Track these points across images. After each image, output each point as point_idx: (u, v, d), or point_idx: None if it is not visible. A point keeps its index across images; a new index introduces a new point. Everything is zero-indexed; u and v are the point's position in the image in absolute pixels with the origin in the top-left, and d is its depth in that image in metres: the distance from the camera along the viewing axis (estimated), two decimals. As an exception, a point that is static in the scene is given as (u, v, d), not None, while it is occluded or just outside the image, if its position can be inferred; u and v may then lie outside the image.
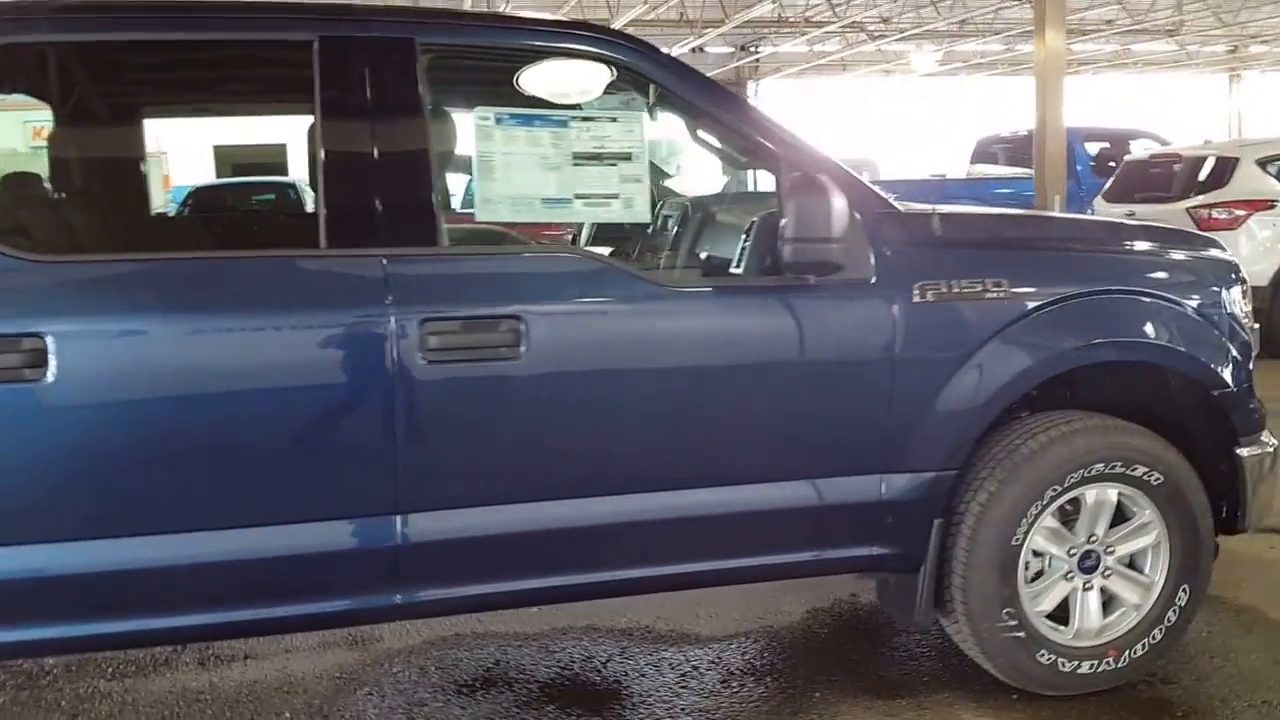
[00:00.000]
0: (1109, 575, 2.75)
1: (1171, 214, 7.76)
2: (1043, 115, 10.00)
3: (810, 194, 2.25)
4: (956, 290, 2.51)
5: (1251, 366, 2.83)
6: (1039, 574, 2.71)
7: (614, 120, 2.40)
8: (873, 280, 2.45)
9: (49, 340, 2.01)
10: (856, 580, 3.02)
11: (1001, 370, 2.54)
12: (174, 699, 2.91)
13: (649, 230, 3.50)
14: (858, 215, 2.43)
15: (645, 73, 2.42)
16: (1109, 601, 2.78)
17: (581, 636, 3.23)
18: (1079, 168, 11.22)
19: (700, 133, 2.80)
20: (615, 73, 2.42)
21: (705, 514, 2.44)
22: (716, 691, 2.87)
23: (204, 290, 2.16)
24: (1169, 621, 2.77)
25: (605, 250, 3.43)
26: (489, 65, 2.65)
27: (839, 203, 2.27)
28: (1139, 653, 2.76)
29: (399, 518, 2.25)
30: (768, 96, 22.91)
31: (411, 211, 2.26)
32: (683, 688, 2.89)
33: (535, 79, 2.43)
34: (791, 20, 16.31)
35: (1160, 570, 2.77)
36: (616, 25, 13.97)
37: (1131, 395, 2.89)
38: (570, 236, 3.76)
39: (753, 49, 18.95)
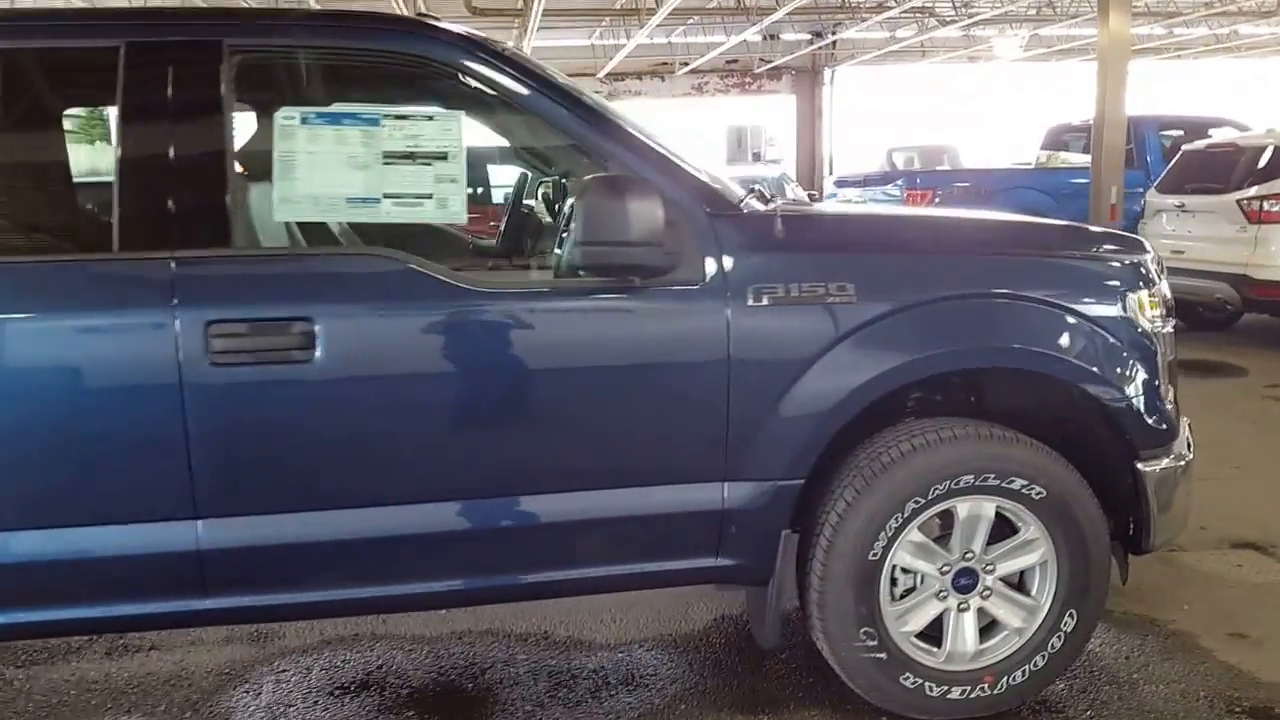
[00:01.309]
0: (988, 595, 2.57)
1: (1221, 205, 7.29)
2: (1102, 104, 9.44)
3: (602, 195, 2.15)
4: (795, 294, 2.37)
5: (1158, 377, 2.59)
6: (909, 591, 2.56)
7: (430, 119, 2.34)
8: (704, 283, 2.34)
9: None
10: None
11: (844, 378, 2.39)
12: (68, 687, 2.99)
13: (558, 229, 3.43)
14: (688, 216, 2.34)
15: (464, 67, 2.35)
16: (991, 624, 2.60)
17: (475, 641, 3.20)
18: (1149, 158, 10.61)
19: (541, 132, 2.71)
20: (432, 68, 2.37)
21: (525, 524, 2.36)
22: (582, 702, 2.80)
23: (37, 290, 2.19)
24: (1053, 648, 2.58)
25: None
26: (305, 65, 2.60)
27: (640, 205, 2.15)
28: (1018, 679, 2.58)
29: (199, 523, 2.24)
30: (844, 83, 22.41)
31: (204, 213, 2.24)
32: (549, 697, 2.83)
33: (350, 77, 2.39)
34: (859, 6, 15.84)
35: (1047, 591, 2.58)
36: (661, 14, 13.65)
37: (1037, 405, 2.70)
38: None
39: (828, 34, 18.53)
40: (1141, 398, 2.55)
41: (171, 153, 2.22)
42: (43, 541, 2.20)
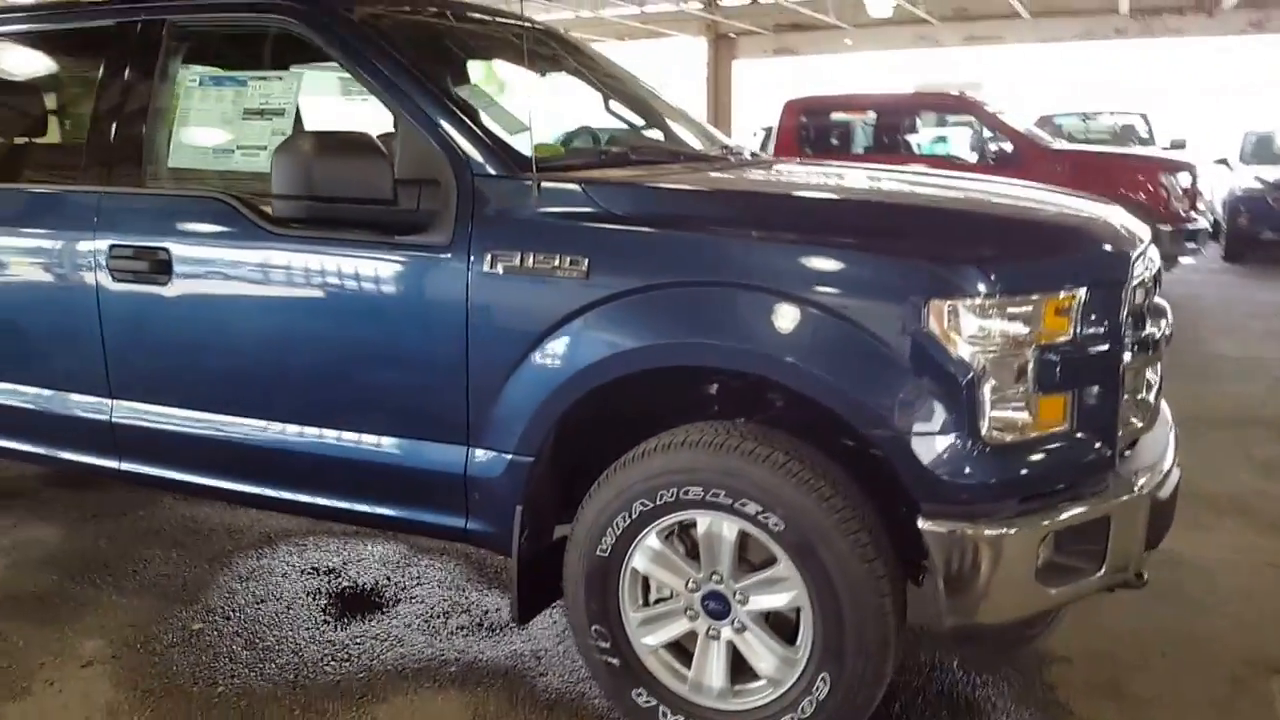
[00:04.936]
0: (742, 630, 2.27)
1: None
2: None
3: (292, 151, 2.29)
4: (529, 264, 2.28)
5: (958, 413, 2.01)
6: (662, 600, 2.35)
7: (280, 79, 2.66)
8: (450, 245, 2.37)
9: None
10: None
11: (565, 359, 2.26)
12: (175, 521, 3.89)
13: None
14: (446, 177, 2.38)
15: (305, 33, 2.61)
16: (750, 665, 2.29)
17: (444, 561, 3.50)
18: None
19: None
20: (293, 34, 2.65)
21: (302, 450, 2.64)
22: (404, 635, 2.98)
23: (19, 211, 3.03)
24: (804, 712, 2.20)
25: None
26: (217, 35, 3.00)
27: (337, 164, 2.27)
28: (763, 738, 2.24)
29: (111, 400, 2.89)
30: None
31: (124, 156, 2.82)
32: (425, 623, 3.06)
33: (238, 44, 2.81)
34: None
35: (806, 644, 2.19)
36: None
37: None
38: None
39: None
40: (923, 436, 2.02)
41: (114, 106, 2.85)
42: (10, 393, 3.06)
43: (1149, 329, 2.36)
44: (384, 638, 2.97)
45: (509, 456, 2.39)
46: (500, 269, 2.32)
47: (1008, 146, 9.51)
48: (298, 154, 2.28)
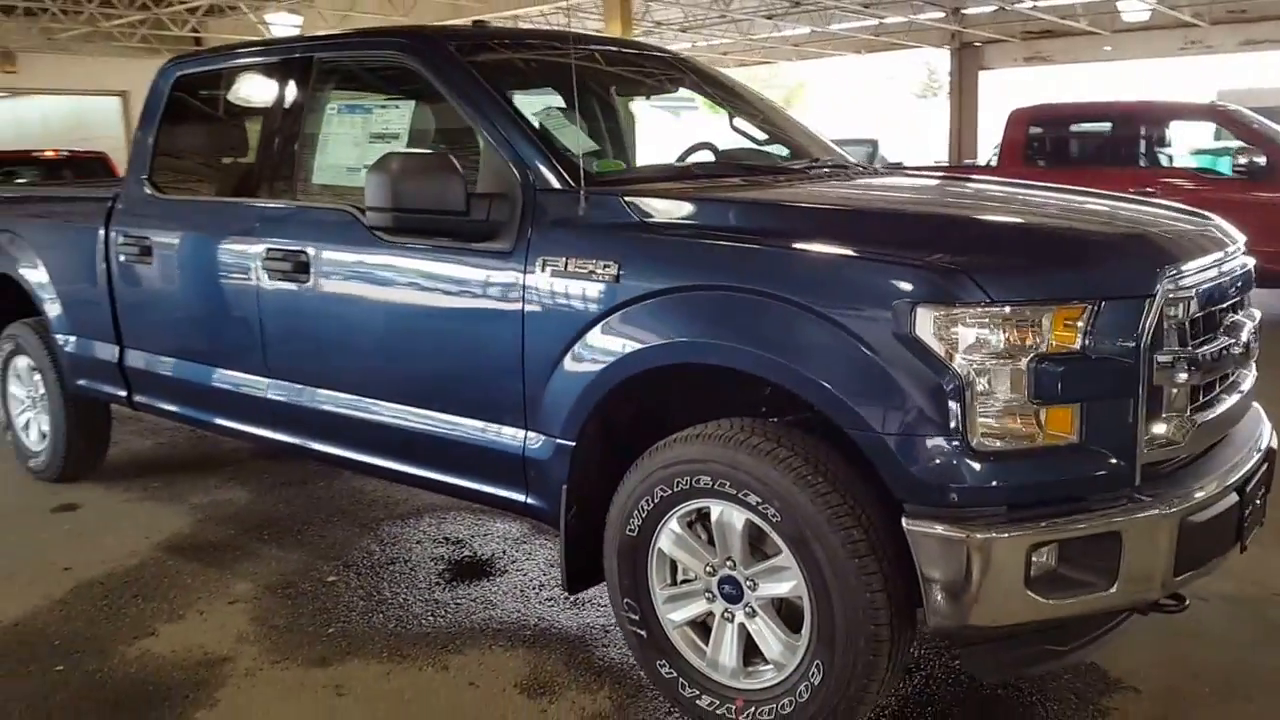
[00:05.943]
0: (752, 615, 2.41)
1: None
2: None
3: (382, 170, 2.61)
4: (570, 268, 2.53)
5: (942, 416, 2.05)
6: (687, 581, 2.53)
7: (396, 108, 3.07)
8: (512, 251, 2.66)
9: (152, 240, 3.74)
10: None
11: (596, 355, 2.49)
12: (341, 493, 4.45)
13: None
14: (511, 191, 2.68)
15: (415, 68, 2.99)
16: (759, 647, 2.42)
17: (539, 535, 3.83)
18: None
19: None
20: (408, 69, 3.04)
21: (398, 424, 3.01)
22: (499, 600, 3.30)
23: (205, 219, 3.64)
24: (800, 696, 2.31)
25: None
26: (352, 69, 3.41)
27: (417, 181, 2.59)
28: (764, 717, 2.37)
29: (267, 380, 3.41)
30: None
31: (282, 173, 3.35)
32: (518, 589, 3.38)
33: (366, 77, 3.25)
34: None
35: (806, 632, 2.30)
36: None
37: None
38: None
39: None
40: (899, 437, 2.08)
41: (275, 130, 3.39)
42: (205, 371, 3.66)
43: (1210, 343, 2.28)
44: (481, 600, 3.32)
45: (556, 440, 2.65)
46: (549, 272, 2.59)
47: (1261, 159, 8.68)
48: (386, 172, 2.66)
